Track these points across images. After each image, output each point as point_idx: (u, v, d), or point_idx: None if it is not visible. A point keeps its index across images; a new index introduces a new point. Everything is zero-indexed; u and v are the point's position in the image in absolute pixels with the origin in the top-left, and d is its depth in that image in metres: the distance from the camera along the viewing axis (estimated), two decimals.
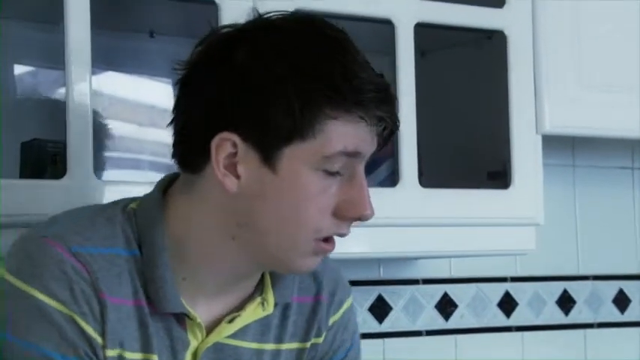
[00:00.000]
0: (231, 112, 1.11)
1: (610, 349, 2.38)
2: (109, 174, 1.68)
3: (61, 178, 1.43)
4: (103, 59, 1.62)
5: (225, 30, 1.16)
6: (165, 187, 1.19)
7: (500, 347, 2.26)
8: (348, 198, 1.14)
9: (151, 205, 1.17)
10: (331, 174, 1.12)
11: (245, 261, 1.16)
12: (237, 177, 1.12)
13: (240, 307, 1.21)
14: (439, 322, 2.20)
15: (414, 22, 1.72)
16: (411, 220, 1.71)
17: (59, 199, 1.41)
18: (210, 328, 1.19)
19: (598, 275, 2.39)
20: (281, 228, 1.12)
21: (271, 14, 1.16)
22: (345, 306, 1.33)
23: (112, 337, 1.11)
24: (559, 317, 2.34)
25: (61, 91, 1.55)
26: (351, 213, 1.14)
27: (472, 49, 1.92)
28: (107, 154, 1.69)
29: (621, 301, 2.41)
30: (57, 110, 1.53)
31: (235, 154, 1.11)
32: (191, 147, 1.15)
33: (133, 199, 1.20)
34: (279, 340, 1.25)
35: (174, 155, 1.17)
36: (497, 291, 2.27)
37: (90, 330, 1.09)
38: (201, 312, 1.18)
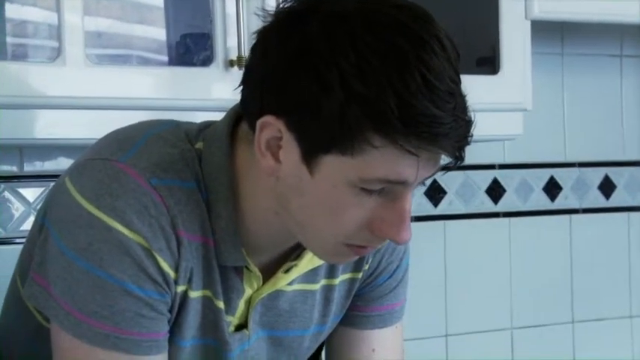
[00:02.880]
0: (281, 96, 1.03)
1: (594, 233, 2.42)
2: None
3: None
4: None
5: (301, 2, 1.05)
6: (233, 124, 1.12)
7: (487, 233, 2.30)
8: (386, 218, 1.05)
9: (219, 153, 1.10)
10: (369, 192, 1.03)
11: (289, 232, 1.12)
12: (279, 161, 1.05)
13: (296, 254, 1.17)
14: (428, 208, 2.23)
15: None
16: None
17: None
18: (266, 276, 1.16)
19: (584, 162, 2.41)
20: (314, 226, 1.07)
21: None
22: None
23: (183, 273, 1.10)
24: (545, 203, 2.37)
25: None
26: (384, 234, 1.06)
27: None
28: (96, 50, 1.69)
29: (606, 186, 2.44)
30: None
31: (280, 138, 1.04)
32: (248, 109, 1.08)
33: (199, 132, 1.13)
34: (332, 275, 1.22)
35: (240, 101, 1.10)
36: (485, 178, 2.30)
37: (166, 266, 1.08)
38: (258, 261, 1.14)
